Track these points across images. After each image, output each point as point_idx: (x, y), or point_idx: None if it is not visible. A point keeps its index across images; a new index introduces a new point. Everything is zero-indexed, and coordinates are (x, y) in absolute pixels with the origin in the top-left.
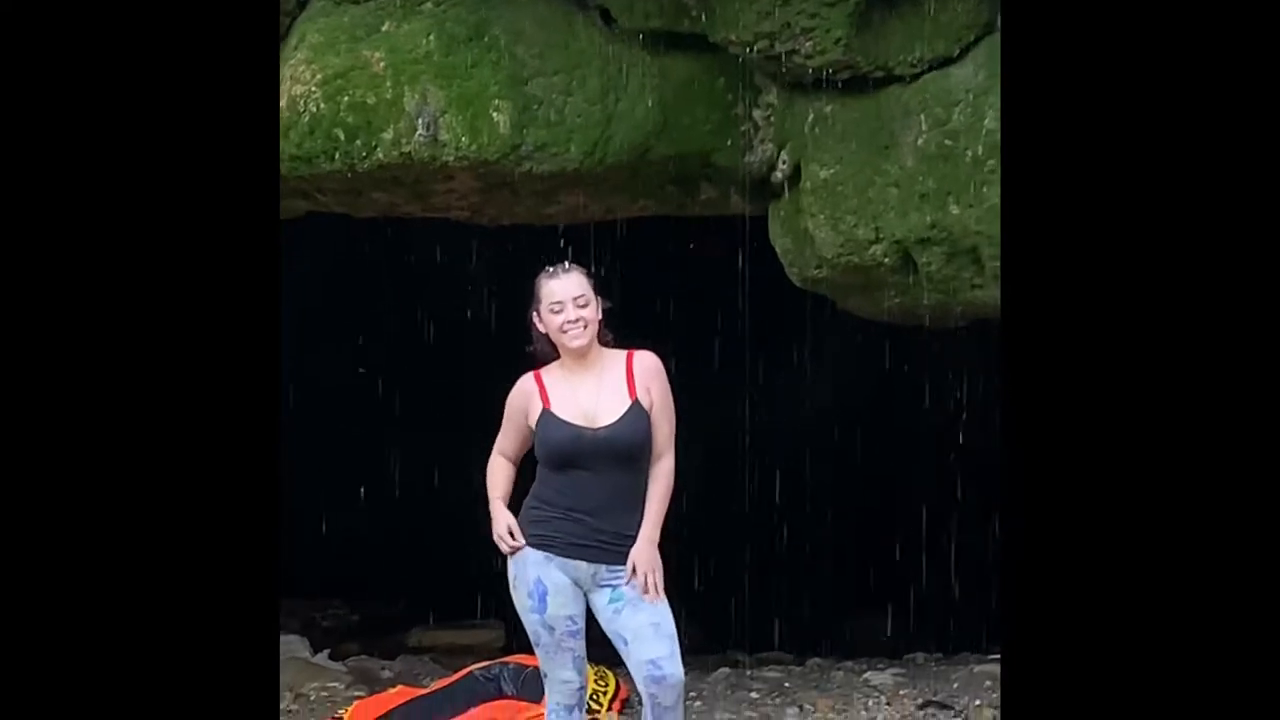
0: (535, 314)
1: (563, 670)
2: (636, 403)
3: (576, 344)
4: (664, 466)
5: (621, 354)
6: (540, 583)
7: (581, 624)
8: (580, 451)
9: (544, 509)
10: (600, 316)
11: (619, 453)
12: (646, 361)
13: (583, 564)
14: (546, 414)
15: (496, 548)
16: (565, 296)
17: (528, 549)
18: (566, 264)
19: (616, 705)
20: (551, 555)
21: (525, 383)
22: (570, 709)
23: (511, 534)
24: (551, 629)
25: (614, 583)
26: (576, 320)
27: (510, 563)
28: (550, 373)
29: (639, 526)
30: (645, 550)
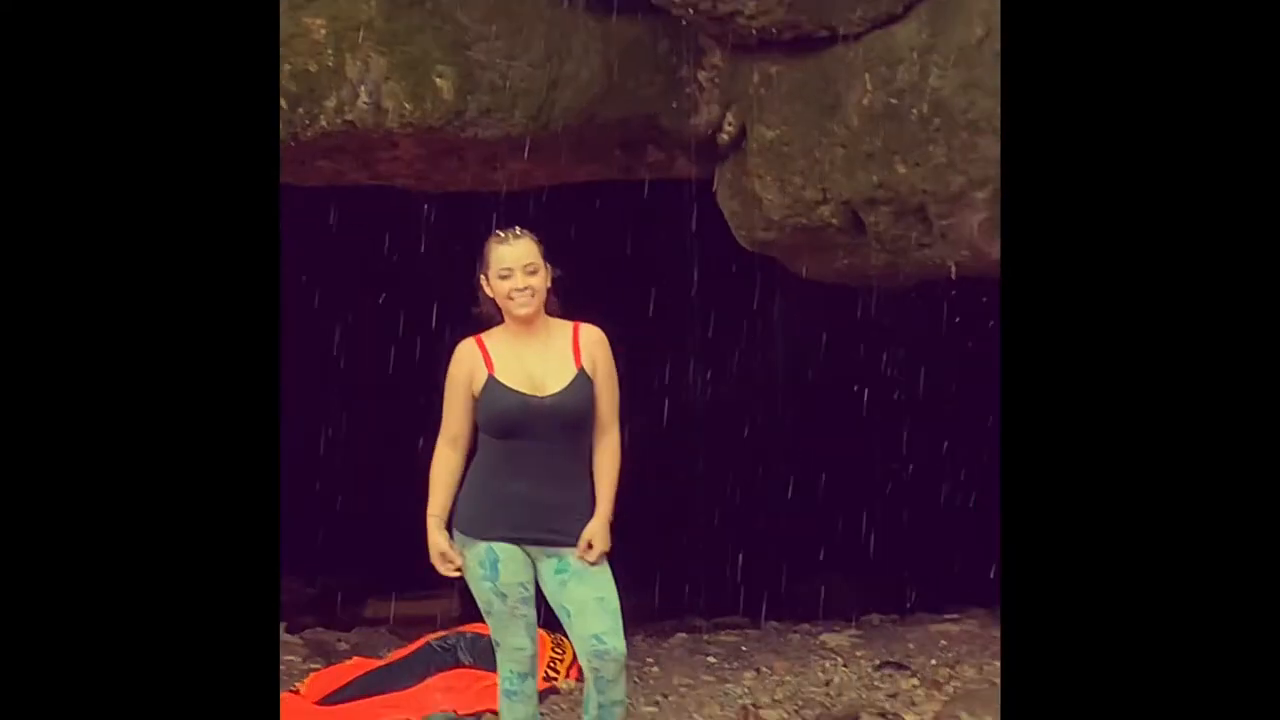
0: (484, 277)
1: (515, 637)
2: (582, 371)
3: (522, 312)
4: (610, 441)
5: (568, 325)
6: (491, 551)
7: (533, 590)
8: (527, 420)
9: (485, 491)
10: (549, 284)
11: (565, 421)
12: (593, 334)
13: (527, 548)
14: (492, 380)
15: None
16: (514, 263)
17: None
18: (517, 229)
19: (574, 672)
20: (494, 539)
21: (466, 348)
22: (524, 676)
23: (446, 558)
24: (504, 596)
25: (561, 553)
26: (524, 288)
27: (457, 532)
28: (493, 338)
29: (583, 500)
30: (601, 529)
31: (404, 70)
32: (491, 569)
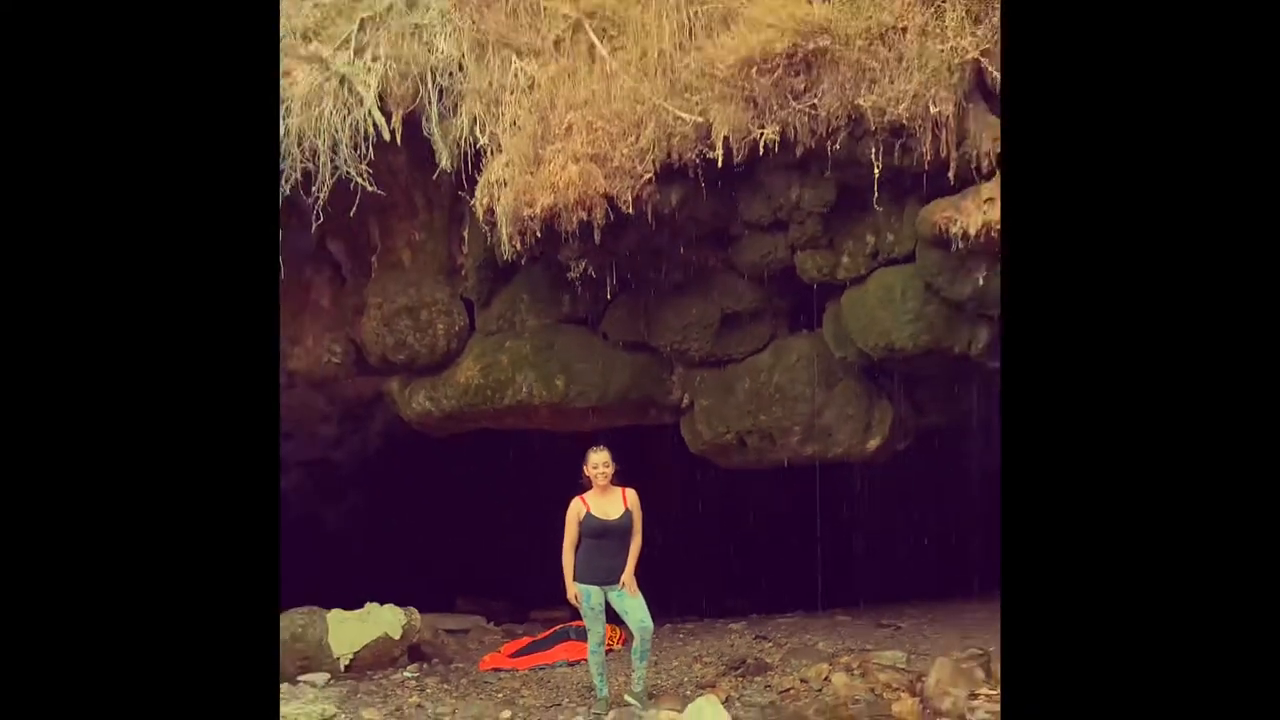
0: (585, 467)
1: (598, 628)
2: (627, 511)
3: (602, 482)
4: (637, 539)
5: (619, 489)
6: (588, 590)
7: (603, 608)
8: (604, 531)
9: (587, 562)
10: (613, 470)
11: (619, 532)
12: (632, 493)
13: (603, 587)
14: (589, 515)
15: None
16: (599, 460)
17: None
18: (601, 445)
19: (619, 640)
20: (590, 584)
21: (575, 502)
22: (600, 645)
23: (572, 593)
24: (593, 610)
25: (614, 587)
26: (605, 471)
27: (578, 586)
28: (588, 496)
29: (623, 565)
30: (631, 576)
31: (544, 380)
32: (588, 597)
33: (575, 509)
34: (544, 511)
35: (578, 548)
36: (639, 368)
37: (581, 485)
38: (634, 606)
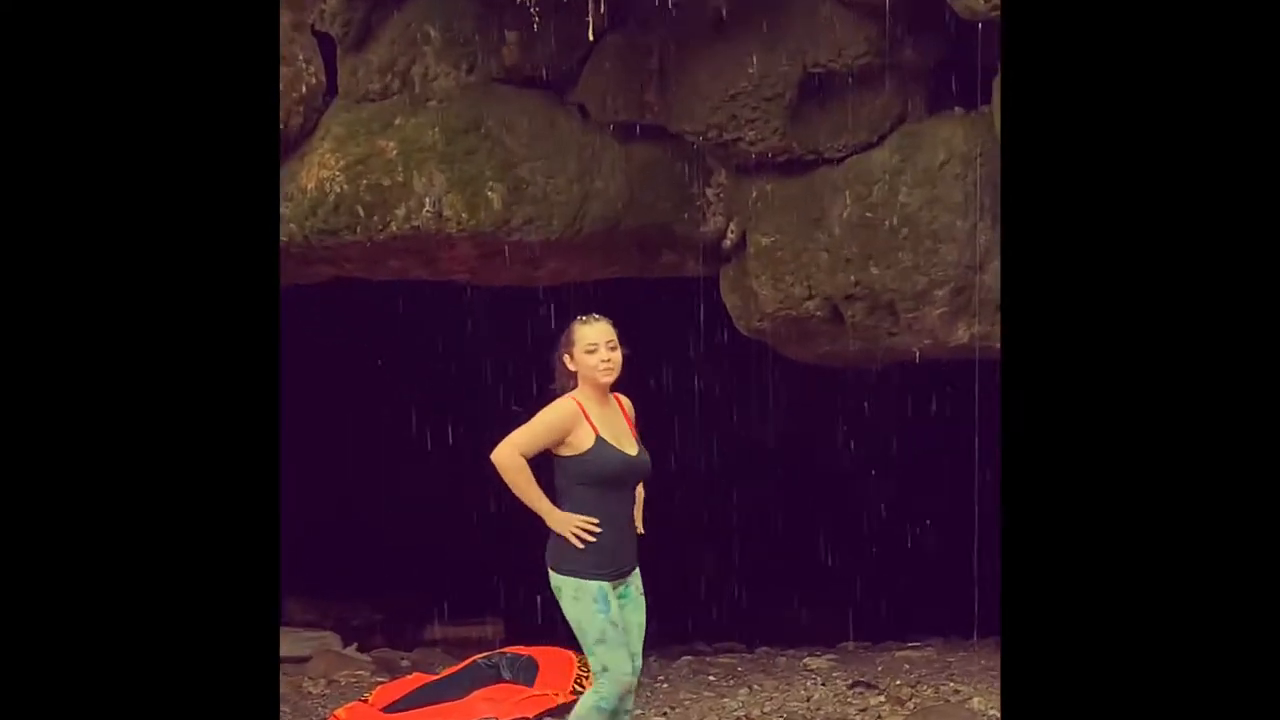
0: (567, 355)
1: (624, 664)
2: (639, 436)
3: (607, 379)
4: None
5: (613, 398)
6: (602, 589)
7: (623, 619)
8: (626, 475)
9: (599, 543)
10: (621, 358)
11: (644, 475)
12: (628, 403)
13: (618, 583)
14: (602, 442)
15: (497, 556)
16: (599, 340)
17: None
18: (596, 315)
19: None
20: (597, 578)
21: (570, 406)
22: (623, 696)
23: (579, 523)
24: (615, 624)
25: (627, 582)
26: (608, 360)
27: (558, 579)
28: (585, 403)
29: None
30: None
31: (461, 185)
32: (605, 603)
33: (567, 422)
34: (455, 432)
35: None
36: (644, 171)
37: (553, 391)
38: (635, 623)
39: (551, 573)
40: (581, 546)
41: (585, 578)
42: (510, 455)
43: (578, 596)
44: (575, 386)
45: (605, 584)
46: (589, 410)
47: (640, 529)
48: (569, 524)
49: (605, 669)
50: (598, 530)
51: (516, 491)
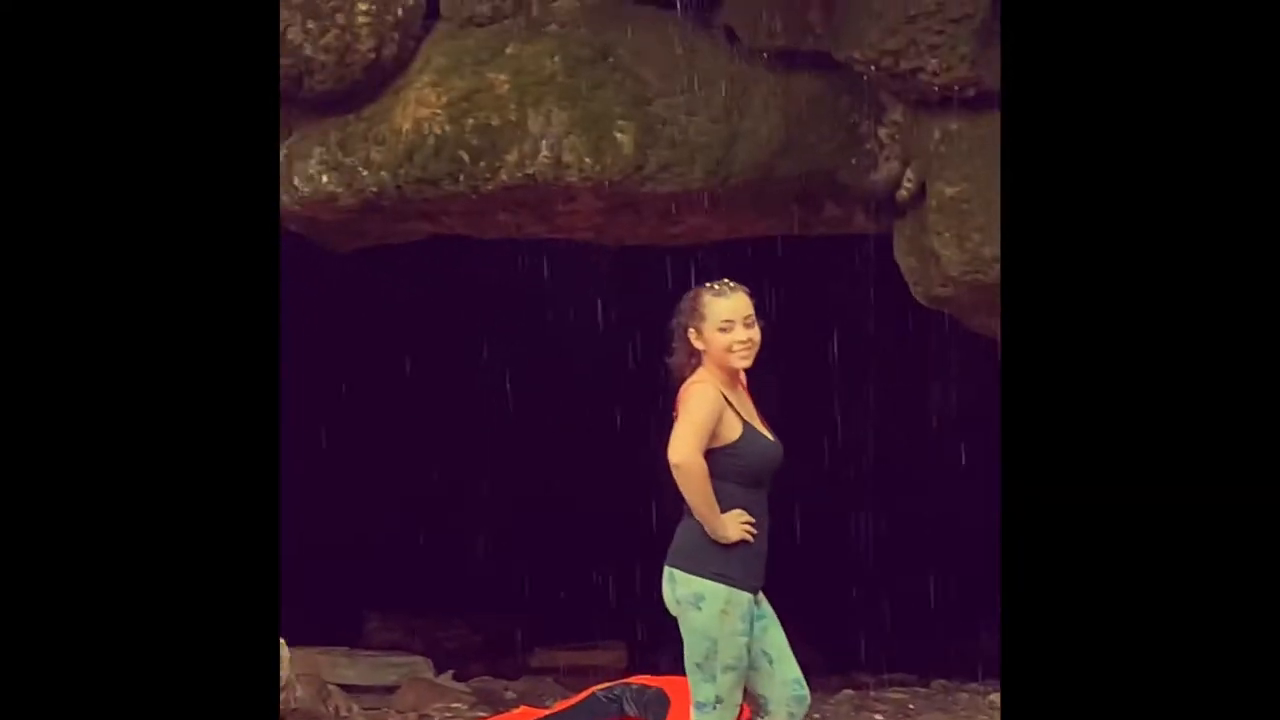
0: (693, 329)
1: (739, 698)
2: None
3: (744, 364)
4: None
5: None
6: (751, 604)
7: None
8: (771, 468)
9: (751, 545)
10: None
11: (780, 468)
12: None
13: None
14: (750, 429)
15: (617, 568)
16: (735, 315)
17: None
18: (730, 282)
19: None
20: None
21: (713, 391)
22: None
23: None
24: (749, 651)
25: (759, 599)
26: (746, 341)
27: (701, 585)
28: (721, 388)
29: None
30: None
31: (585, 125)
32: (750, 623)
33: (718, 408)
34: (572, 421)
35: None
36: (804, 108)
37: (674, 372)
38: (784, 643)
39: (684, 576)
40: (736, 543)
41: (738, 586)
42: (693, 455)
43: (726, 610)
44: (697, 365)
45: (736, 593)
46: (727, 394)
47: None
48: (739, 527)
49: (720, 700)
50: (755, 532)
51: (695, 496)
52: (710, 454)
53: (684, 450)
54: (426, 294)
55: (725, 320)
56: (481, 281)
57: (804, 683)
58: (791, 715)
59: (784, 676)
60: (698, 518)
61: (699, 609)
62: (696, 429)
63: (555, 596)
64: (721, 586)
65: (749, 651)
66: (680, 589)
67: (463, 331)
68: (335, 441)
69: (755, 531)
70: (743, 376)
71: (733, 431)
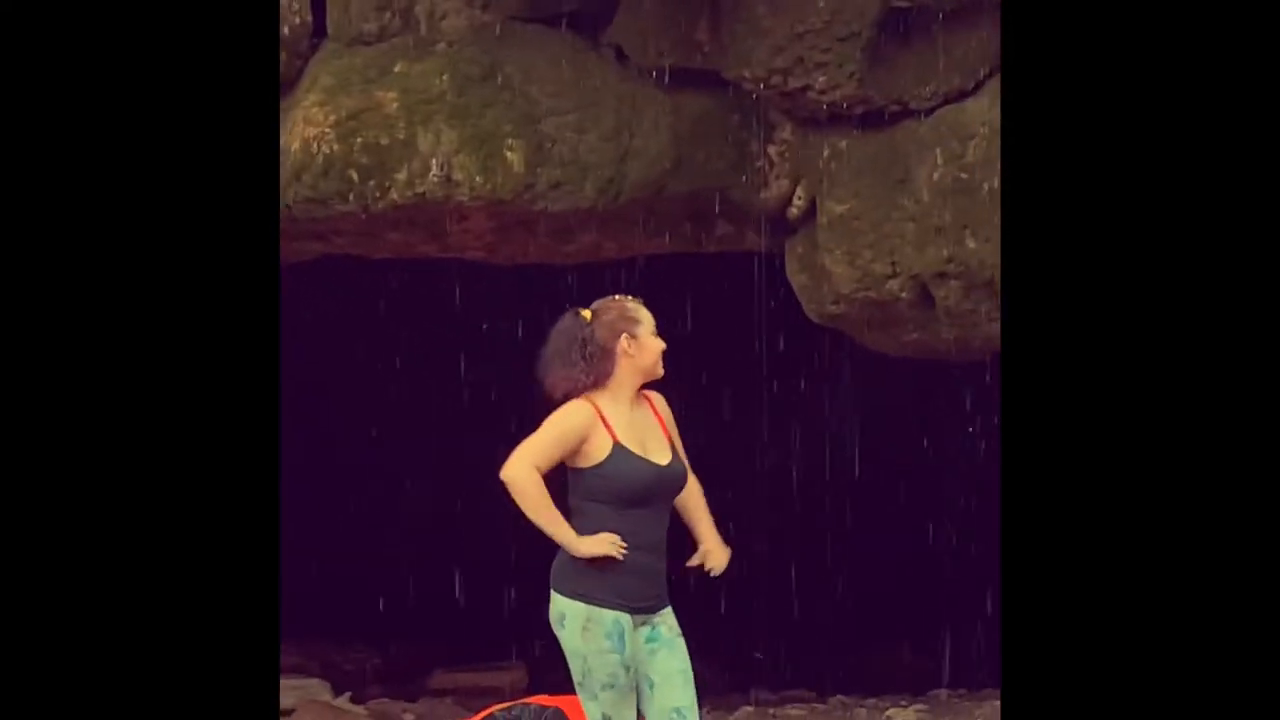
0: (626, 335)
1: (629, 713)
2: (672, 441)
3: (660, 373)
4: (695, 482)
5: (646, 398)
6: (618, 622)
7: (635, 661)
8: (654, 488)
9: (615, 565)
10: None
11: (675, 490)
12: (662, 400)
13: (643, 617)
14: (621, 449)
15: (515, 589)
16: (641, 326)
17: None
18: (626, 296)
19: None
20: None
21: (584, 410)
22: None
23: (608, 540)
24: (628, 669)
25: (655, 622)
26: (649, 360)
27: (564, 603)
28: (603, 403)
29: (663, 573)
30: (723, 552)
31: (475, 144)
32: (619, 641)
33: (581, 427)
34: (467, 443)
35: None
36: (694, 126)
37: (562, 388)
38: (675, 669)
39: (553, 595)
40: (603, 563)
41: (599, 605)
42: (524, 470)
43: (587, 627)
44: (597, 381)
45: (624, 616)
46: (609, 413)
47: (719, 557)
48: (599, 546)
49: (607, 719)
50: (625, 549)
51: (530, 513)
52: (579, 474)
53: (512, 464)
54: (318, 313)
55: (653, 329)
56: (368, 302)
57: (689, 712)
58: None
59: (663, 704)
60: (549, 535)
61: (563, 627)
62: (535, 445)
63: (454, 618)
64: (580, 605)
65: (628, 671)
66: (551, 608)
67: (352, 349)
68: None
69: (625, 551)
70: (656, 401)
71: (600, 452)
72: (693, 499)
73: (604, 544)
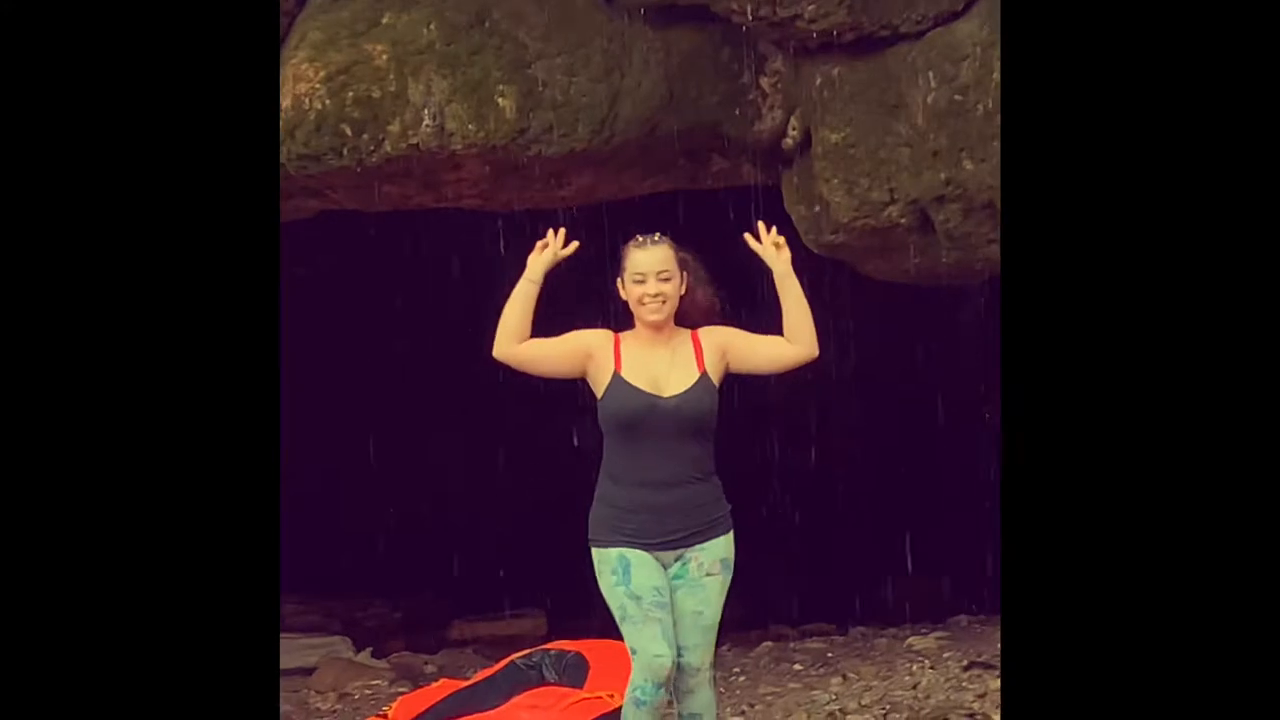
0: (619, 281)
1: (653, 644)
2: (705, 375)
3: (652, 318)
4: (795, 289)
5: (687, 332)
6: (623, 557)
7: (667, 596)
8: (649, 420)
9: (617, 503)
10: (683, 292)
11: (686, 422)
12: (713, 335)
13: (659, 554)
14: (617, 378)
15: (533, 539)
16: (648, 269)
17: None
18: (656, 235)
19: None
20: (625, 546)
21: (603, 336)
22: (658, 686)
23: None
24: (638, 599)
25: (687, 558)
26: (657, 295)
27: (592, 553)
28: (626, 339)
29: (705, 500)
30: (790, 275)
31: (466, 91)
32: (624, 574)
33: (592, 347)
34: (477, 394)
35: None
36: (685, 62)
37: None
38: (688, 610)
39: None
40: (601, 507)
41: (604, 545)
42: (501, 349)
43: (599, 568)
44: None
45: (632, 553)
46: (625, 346)
47: (801, 339)
48: (534, 260)
49: (634, 651)
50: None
51: (512, 330)
52: (598, 406)
53: (496, 346)
54: (320, 271)
55: (638, 273)
56: (372, 257)
57: (688, 652)
58: (644, 680)
59: (677, 640)
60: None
61: (596, 572)
62: (512, 318)
63: (472, 568)
64: (594, 549)
65: (638, 602)
66: None
67: (356, 305)
68: None
69: (616, 476)
70: (703, 338)
71: (604, 379)
72: (740, 343)
73: (535, 257)
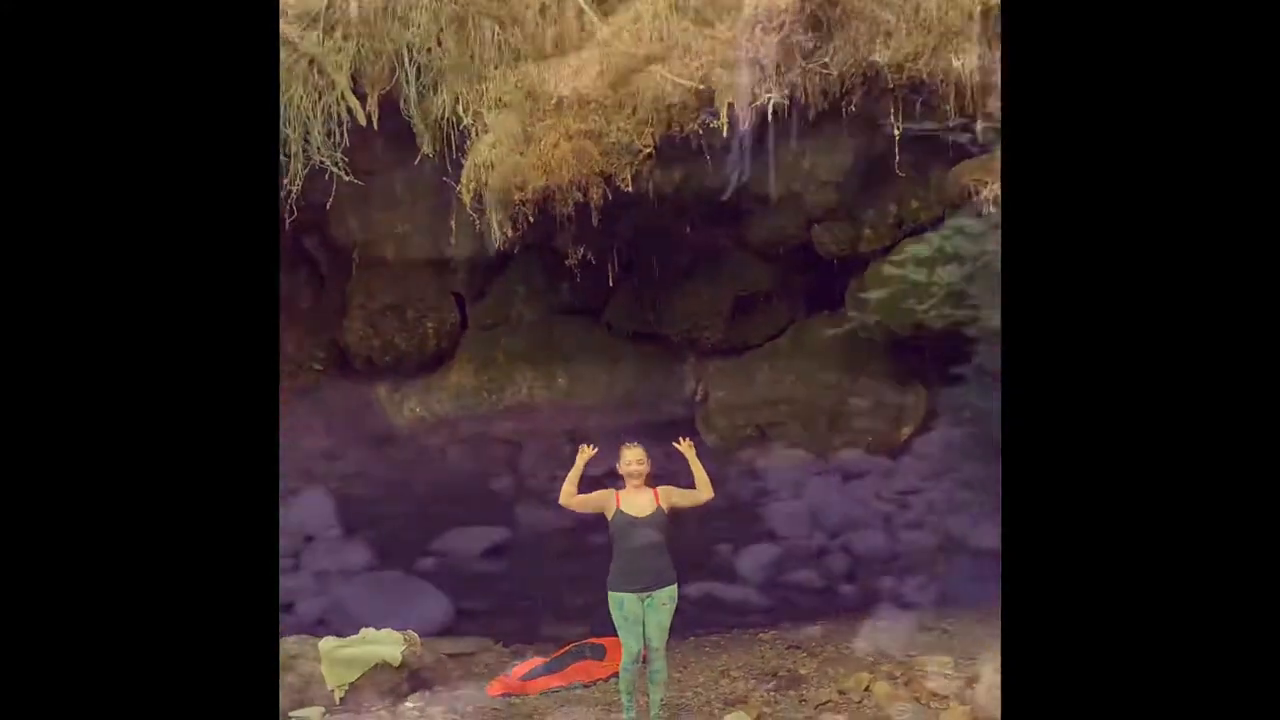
0: (619, 464)
1: (631, 643)
2: (660, 507)
3: (634, 482)
4: (701, 478)
5: (650, 489)
6: (621, 599)
7: (642, 615)
8: (637, 526)
9: (621, 565)
10: (647, 470)
11: (652, 528)
12: (662, 489)
13: (641, 594)
14: (620, 513)
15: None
16: (632, 458)
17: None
18: (633, 441)
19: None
20: (624, 591)
21: (609, 493)
22: (635, 661)
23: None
24: (627, 619)
25: (654, 596)
26: (638, 470)
27: (609, 593)
28: (622, 493)
29: (668, 567)
30: (693, 456)
31: (542, 370)
32: (620, 607)
33: (608, 500)
34: (556, 515)
35: (611, 553)
36: (647, 359)
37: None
38: (654, 624)
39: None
40: (619, 562)
41: (615, 590)
42: (566, 497)
43: (610, 602)
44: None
45: (622, 595)
46: (623, 496)
47: (704, 490)
48: (574, 472)
49: (624, 644)
50: (613, 605)
51: (578, 502)
52: (610, 522)
53: (562, 497)
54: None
55: (627, 460)
56: None
57: (634, 666)
58: (628, 659)
59: (651, 638)
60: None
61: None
62: (568, 485)
63: (548, 604)
64: (610, 591)
65: (628, 622)
66: None
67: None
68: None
69: (623, 552)
70: (655, 493)
71: (610, 513)
72: (676, 494)
73: (574, 471)
